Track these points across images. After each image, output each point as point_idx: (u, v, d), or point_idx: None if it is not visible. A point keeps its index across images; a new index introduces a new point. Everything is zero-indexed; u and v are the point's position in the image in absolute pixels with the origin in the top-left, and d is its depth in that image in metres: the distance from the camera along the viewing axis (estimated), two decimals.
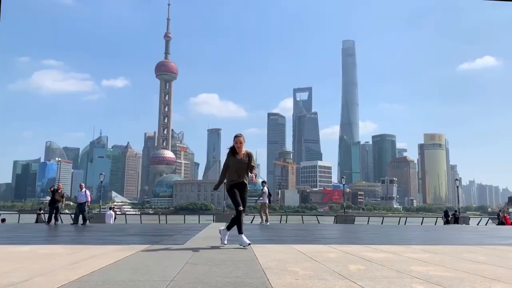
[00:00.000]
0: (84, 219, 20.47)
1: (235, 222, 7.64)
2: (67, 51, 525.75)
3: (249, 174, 7.75)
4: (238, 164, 7.63)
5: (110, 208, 36.77)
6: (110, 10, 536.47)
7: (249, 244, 7.42)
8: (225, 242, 7.84)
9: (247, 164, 7.67)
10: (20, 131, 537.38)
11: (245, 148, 7.82)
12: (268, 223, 20.16)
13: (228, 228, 7.82)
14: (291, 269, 5.01)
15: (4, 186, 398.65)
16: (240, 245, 7.44)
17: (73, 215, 22.80)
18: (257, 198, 23.11)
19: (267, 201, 20.58)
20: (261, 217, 20.79)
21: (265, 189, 20.54)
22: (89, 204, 21.11)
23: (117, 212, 39.28)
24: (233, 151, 7.71)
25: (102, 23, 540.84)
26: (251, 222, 28.12)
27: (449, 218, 37.31)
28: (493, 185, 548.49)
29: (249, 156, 7.73)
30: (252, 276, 4.53)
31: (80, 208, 20.75)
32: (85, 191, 20.99)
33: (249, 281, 4.27)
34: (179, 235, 11.70)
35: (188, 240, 9.69)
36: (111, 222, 30.93)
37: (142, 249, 7.38)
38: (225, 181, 7.88)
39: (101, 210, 58.70)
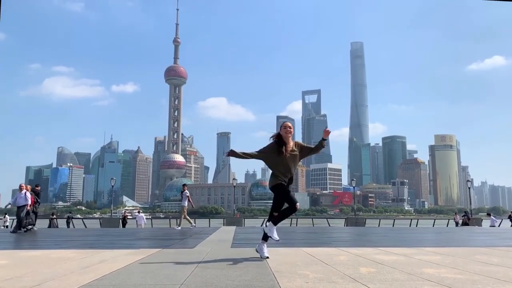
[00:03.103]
0: (20, 226, 17.00)
1: (284, 216, 6.29)
2: (77, 57, 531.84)
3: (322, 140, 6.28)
4: (288, 160, 6.14)
5: (139, 212, 39.12)
6: (119, 16, 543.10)
7: (267, 257, 6.19)
8: (276, 236, 6.27)
9: (298, 156, 6.27)
10: (32, 137, 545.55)
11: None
12: (180, 228, 19.38)
13: (274, 222, 6.29)
14: (301, 272, 4.99)
15: (17, 192, 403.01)
16: (257, 251, 6.48)
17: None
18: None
19: (186, 205, 20.07)
20: (188, 222, 20.42)
21: (187, 192, 19.99)
22: (29, 208, 17.46)
23: (128, 217, 39.82)
24: (279, 141, 6.15)
25: (112, 29, 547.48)
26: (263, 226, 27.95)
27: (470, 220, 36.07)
28: (506, 186, 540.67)
29: (300, 146, 6.31)
30: (262, 280, 4.52)
31: (17, 212, 17.42)
32: (25, 193, 17.47)
33: (259, 284, 4.26)
34: (189, 239, 11.72)
35: (198, 243, 9.70)
36: (143, 225, 32.09)
37: (153, 253, 7.41)
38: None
39: (112, 214, 59.24)
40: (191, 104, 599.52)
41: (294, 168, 6.28)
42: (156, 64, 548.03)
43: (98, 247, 9.61)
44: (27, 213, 17.40)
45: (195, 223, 21.34)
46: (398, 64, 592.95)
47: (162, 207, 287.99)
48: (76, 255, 7.18)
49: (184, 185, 20.98)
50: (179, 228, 19.62)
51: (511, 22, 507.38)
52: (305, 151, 6.38)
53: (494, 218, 35.26)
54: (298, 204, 6.13)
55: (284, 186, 6.18)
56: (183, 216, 20.32)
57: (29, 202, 17.40)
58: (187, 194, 19.97)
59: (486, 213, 40.33)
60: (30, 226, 17.74)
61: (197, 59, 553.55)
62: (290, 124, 6.25)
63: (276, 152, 6.12)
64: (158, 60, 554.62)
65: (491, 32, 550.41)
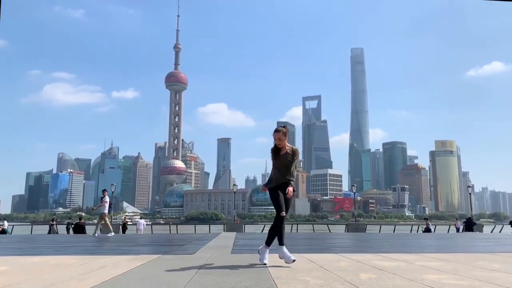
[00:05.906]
0: None
1: (275, 233, 6.21)
2: (78, 64, 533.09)
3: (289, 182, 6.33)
4: (281, 162, 6.28)
5: (141, 218, 40.59)
6: (120, 23, 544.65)
7: (294, 260, 6.06)
8: (265, 261, 6.19)
9: (291, 161, 6.30)
10: (32, 143, 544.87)
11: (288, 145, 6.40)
12: (110, 235, 18.97)
13: (268, 243, 6.26)
14: (301, 279, 4.97)
15: (17, 198, 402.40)
16: (281, 258, 6.18)
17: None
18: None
19: (106, 211, 19.71)
20: (98, 229, 19.92)
21: (106, 198, 19.55)
22: None
23: (129, 223, 39.78)
24: (276, 150, 6.33)
25: (113, 36, 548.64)
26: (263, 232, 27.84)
27: (474, 227, 35.85)
28: (507, 192, 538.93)
29: (294, 153, 6.33)
30: (262, 286, 4.50)
31: None
32: None
33: None
34: (190, 245, 11.68)
35: (198, 249, 9.67)
36: (142, 231, 32.19)
37: (153, 259, 7.38)
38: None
39: (112, 220, 59.11)
40: (192, 110, 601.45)
41: (287, 172, 6.27)
42: (156, 70, 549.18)
43: (98, 253, 9.58)
44: None
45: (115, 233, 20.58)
46: (398, 70, 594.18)
47: (162, 213, 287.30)
48: (76, 261, 7.16)
49: (104, 190, 20.09)
50: (112, 234, 19.37)
51: (509, 28, 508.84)
52: (293, 159, 6.38)
53: (430, 224, 35.86)
54: (283, 213, 6.08)
55: (276, 191, 6.21)
56: (104, 222, 19.94)
57: None
58: (106, 200, 19.59)
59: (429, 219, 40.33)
60: None
61: (197, 65, 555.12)
62: (279, 135, 6.23)
63: (274, 159, 6.36)
64: (158, 66, 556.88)
65: (490, 38, 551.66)
